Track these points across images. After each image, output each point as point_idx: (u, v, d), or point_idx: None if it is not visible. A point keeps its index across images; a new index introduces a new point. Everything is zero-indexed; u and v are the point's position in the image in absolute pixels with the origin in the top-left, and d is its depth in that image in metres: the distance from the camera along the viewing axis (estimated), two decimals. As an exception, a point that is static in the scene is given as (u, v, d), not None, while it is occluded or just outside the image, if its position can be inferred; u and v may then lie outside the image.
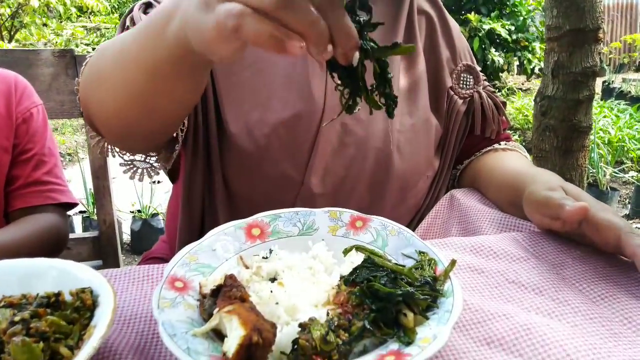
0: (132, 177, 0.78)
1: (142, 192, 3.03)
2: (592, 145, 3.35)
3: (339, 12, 0.38)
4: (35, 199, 0.94)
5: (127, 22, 0.72)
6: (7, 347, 0.37)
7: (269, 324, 0.39)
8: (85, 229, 3.00)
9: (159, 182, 3.29)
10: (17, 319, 0.38)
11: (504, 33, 6.86)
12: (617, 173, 3.45)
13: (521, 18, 7.28)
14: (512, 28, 7.14)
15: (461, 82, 0.89)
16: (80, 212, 3.13)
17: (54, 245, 0.93)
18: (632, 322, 0.48)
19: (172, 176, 0.84)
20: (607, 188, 3.11)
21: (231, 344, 0.37)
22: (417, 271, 0.47)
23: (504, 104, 0.93)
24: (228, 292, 0.42)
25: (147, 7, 0.74)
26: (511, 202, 0.73)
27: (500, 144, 0.92)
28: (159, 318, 0.40)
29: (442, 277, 0.46)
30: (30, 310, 0.40)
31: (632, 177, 3.41)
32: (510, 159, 0.86)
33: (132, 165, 0.78)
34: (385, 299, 0.42)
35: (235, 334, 0.37)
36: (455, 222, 0.81)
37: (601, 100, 6.07)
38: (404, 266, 0.48)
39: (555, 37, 1.74)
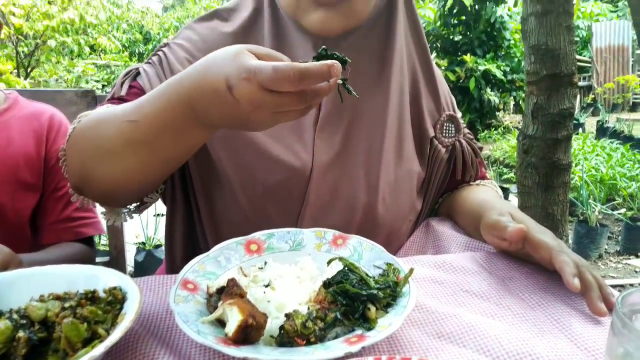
0: (109, 222, 0.82)
1: (147, 223, 3.14)
2: (581, 182, 3.48)
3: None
4: (66, 235, 1.02)
5: (121, 89, 0.81)
6: (59, 326, 0.48)
7: (261, 313, 0.50)
8: (91, 258, 3.08)
9: (162, 214, 3.41)
10: (66, 305, 0.49)
11: (499, 74, 7.12)
12: (605, 210, 3.55)
13: (516, 59, 7.56)
14: (507, 69, 7.41)
15: (444, 131, 0.95)
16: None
17: None
18: (559, 323, 0.58)
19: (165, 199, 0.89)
20: (596, 224, 3.21)
21: (231, 326, 0.48)
22: (383, 277, 0.58)
23: (481, 148, 1.01)
24: (230, 290, 0.54)
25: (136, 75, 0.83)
26: (475, 228, 0.84)
27: (474, 182, 1.02)
28: (175, 309, 0.51)
29: (402, 282, 0.57)
30: (75, 300, 0.51)
31: (621, 214, 3.51)
32: (479, 192, 0.96)
33: (110, 212, 0.82)
34: (354, 297, 0.53)
35: (234, 318, 0.48)
36: (430, 245, 0.92)
37: (595, 139, 6.24)
38: (373, 277, 0.60)
39: (534, 81, 1.89)
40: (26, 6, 4.26)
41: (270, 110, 0.53)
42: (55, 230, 1.01)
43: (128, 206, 0.83)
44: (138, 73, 0.84)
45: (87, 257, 1.04)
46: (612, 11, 10.23)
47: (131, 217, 0.85)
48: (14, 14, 4.11)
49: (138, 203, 0.83)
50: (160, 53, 0.85)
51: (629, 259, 3.28)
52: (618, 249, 3.40)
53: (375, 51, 0.86)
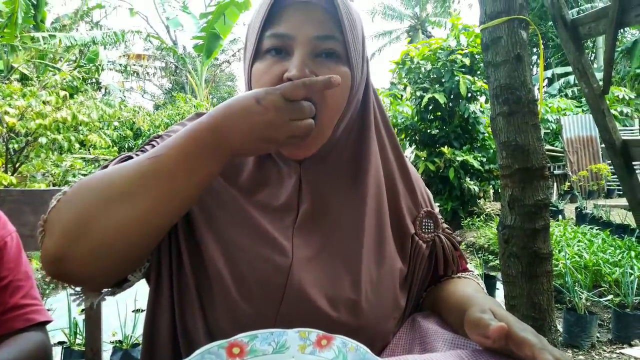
0: (79, 304, 0.80)
1: (125, 320, 3.01)
2: (565, 269, 3.49)
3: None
4: (17, 323, 1.01)
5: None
6: None
7: None
8: (65, 360, 2.91)
9: (141, 310, 3.28)
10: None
11: (476, 164, 7.41)
12: (592, 297, 3.54)
13: (491, 151, 7.91)
14: (484, 159, 7.73)
15: (423, 227, 0.97)
16: (59, 342, 3.07)
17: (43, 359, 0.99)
18: None
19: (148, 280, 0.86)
20: (585, 312, 3.17)
21: None
22: (368, 381, 0.58)
23: (460, 242, 1.03)
24: (212, 399, 0.52)
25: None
26: (460, 324, 0.83)
27: (456, 275, 1.04)
28: (155, 421, 0.50)
29: (387, 385, 0.57)
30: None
31: (608, 300, 3.49)
32: (462, 286, 0.97)
33: (82, 294, 0.80)
34: (339, 403, 0.52)
35: None
36: (417, 342, 0.91)
37: (575, 225, 6.36)
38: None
39: (508, 174, 1.99)
40: (21, 107, 4.43)
41: (288, 115, 0.68)
42: (5, 321, 1.00)
43: (107, 288, 0.81)
44: (130, 157, 0.85)
45: (46, 347, 1.03)
46: (577, 106, 10.98)
47: (104, 299, 0.82)
48: (8, 113, 4.27)
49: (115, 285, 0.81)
50: (154, 142, 0.89)
51: (623, 347, 3.21)
52: (610, 338, 3.33)
53: (350, 160, 0.90)
